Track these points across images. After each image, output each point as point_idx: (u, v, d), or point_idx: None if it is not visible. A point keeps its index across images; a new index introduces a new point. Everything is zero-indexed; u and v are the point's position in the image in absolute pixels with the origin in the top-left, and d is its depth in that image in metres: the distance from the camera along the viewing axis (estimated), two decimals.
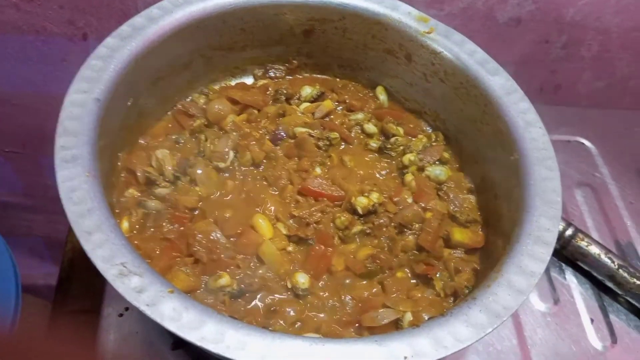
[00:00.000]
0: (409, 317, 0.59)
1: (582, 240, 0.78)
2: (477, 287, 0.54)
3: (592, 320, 0.76)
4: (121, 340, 0.67)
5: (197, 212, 0.66)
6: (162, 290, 0.47)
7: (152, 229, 0.63)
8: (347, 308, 0.62)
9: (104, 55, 0.62)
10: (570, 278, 0.80)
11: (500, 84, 0.70)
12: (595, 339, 0.74)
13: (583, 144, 0.97)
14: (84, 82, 0.59)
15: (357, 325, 0.60)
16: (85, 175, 0.53)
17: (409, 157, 0.73)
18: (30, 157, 1.25)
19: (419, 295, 0.63)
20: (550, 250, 0.56)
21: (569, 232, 0.78)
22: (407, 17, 0.75)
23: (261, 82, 0.81)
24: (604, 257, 0.77)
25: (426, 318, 0.59)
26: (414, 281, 0.65)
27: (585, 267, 0.79)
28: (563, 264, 0.81)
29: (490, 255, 0.65)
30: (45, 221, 1.51)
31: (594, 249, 0.77)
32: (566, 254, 0.79)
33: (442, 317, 0.50)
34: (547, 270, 0.80)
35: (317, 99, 0.79)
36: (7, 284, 1.03)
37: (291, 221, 0.66)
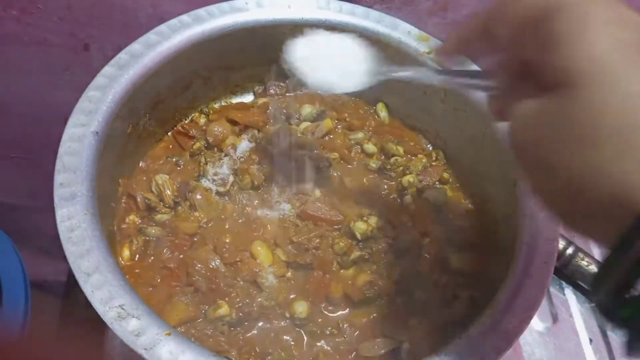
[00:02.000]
0: (406, 346, 0.60)
1: (583, 259, 0.78)
2: (471, 323, 0.55)
3: (590, 340, 0.76)
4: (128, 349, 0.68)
5: (196, 238, 0.66)
6: (160, 332, 0.48)
7: (152, 257, 0.64)
8: (345, 336, 0.62)
9: (101, 85, 0.62)
10: (570, 296, 0.80)
11: None
12: (593, 359, 0.74)
13: None
14: (82, 115, 0.60)
15: (354, 353, 0.61)
16: (84, 213, 0.54)
17: (408, 179, 0.73)
18: (35, 162, 1.26)
19: (417, 323, 0.63)
20: (547, 285, 0.56)
21: (569, 250, 0.78)
22: (407, 36, 0.74)
23: (261, 99, 0.81)
24: None
25: (423, 348, 0.60)
26: (412, 308, 0.65)
27: (586, 286, 0.79)
28: (563, 282, 0.81)
29: (487, 282, 0.65)
30: (52, 221, 1.53)
31: (594, 269, 0.77)
32: (566, 273, 0.79)
33: (436, 356, 0.51)
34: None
35: (317, 118, 0.78)
36: (17, 283, 1.05)
37: (290, 247, 0.66)
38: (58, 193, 0.54)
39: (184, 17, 0.70)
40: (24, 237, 1.20)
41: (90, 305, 0.50)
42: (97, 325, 0.73)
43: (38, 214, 1.51)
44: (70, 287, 0.92)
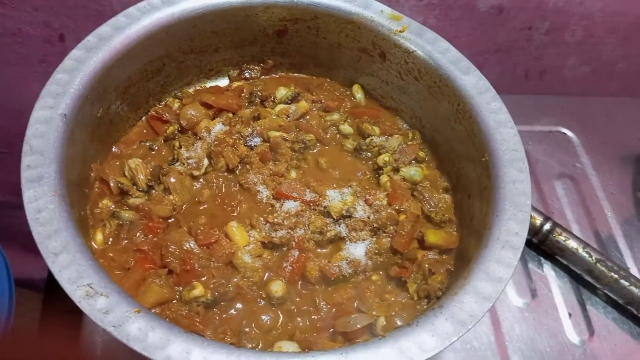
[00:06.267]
0: (382, 321, 0.60)
1: (560, 234, 0.78)
2: (444, 294, 0.55)
3: (569, 315, 0.76)
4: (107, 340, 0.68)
5: (171, 220, 0.66)
6: (129, 310, 0.48)
7: (126, 240, 0.64)
8: (322, 313, 0.62)
9: (69, 68, 0.62)
10: (549, 271, 0.80)
11: (472, 83, 0.69)
12: (572, 333, 0.75)
13: (565, 134, 0.96)
14: (50, 98, 0.59)
15: (331, 330, 0.61)
16: (52, 195, 0.53)
17: (383, 158, 0.73)
18: (17, 157, 1.25)
19: (393, 298, 0.63)
20: (518, 255, 0.56)
21: (547, 226, 0.78)
22: (380, 15, 0.74)
23: (236, 83, 0.81)
24: (581, 252, 0.77)
25: (399, 323, 0.60)
26: (388, 284, 0.65)
27: (564, 261, 0.79)
28: (542, 258, 0.81)
29: (464, 256, 0.66)
30: None
31: (572, 243, 0.78)
32: (544, 248, 0.80)
33: (408, 326, 0.51)
34: (525, 264, 0.81)
35: (293, 100, 0.78)
36: (1, 281, 1.04)
37: (266, 227, 0.66)
38: (25, 175, 0.54)
39: (154, 0, 0.69)
40: (8, 234, 1.19)
41: (69, 310, 0.49)
42: (76, 317, 0.73)
43: (20, 210, 1.50)
44: (51, 282, 0.91)
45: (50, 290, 0.92)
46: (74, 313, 0.72)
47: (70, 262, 0.50)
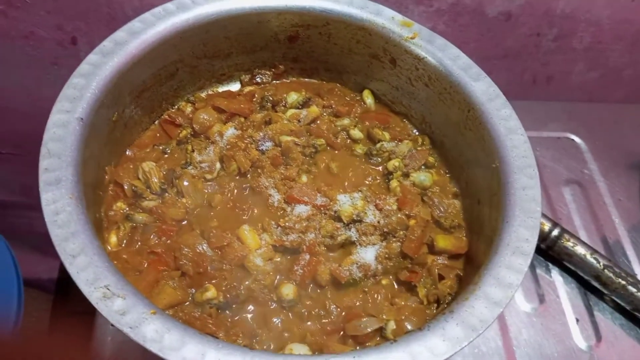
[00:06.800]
0: (392, 325, 0.61)
1: (568, 240, 0.79)
2: (455, 300, 0.55)
3: (577, 320, 0.77)
4: (120, 341, 0.69)
5: (184, 223, 0.67)
6: (145, 311, 0.49)
7: (139, 243, 0.64)
8: (332, 316, 0.63)
9: (86, 72, 0.63)
10: (557, 277, 0.81)
11: (482, 90, 0.70)
12: (580, 339, 0.75)
13: (573, 140, 0.97)
14: (67, 102, 0.60)
15: (341, 333, 0.62)
16: (69, 197, 0.54)
17: (393, 163, 0.74)
18: (26, 158, 1.26)
19: (403, 302, 0.64)
20: (528, 261, 0.57)
21: (555, 232, 0.79)
22: (391, 22, 0.75)
23: (248, 88, 0.82)
24: (589, 258, 0.77)
25: (409, 327, 0.61)
26: (398, 288, 0.66)
27: (572, 267, 0.79)
28: (549, 263, 0.82)
29: (473, 261, 0.66)
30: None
31: (580, 250, 0.78)
32: (552, 254, 0.80)
33: (419, 331, 0.52)
34: (533, 269, 0.81)
35: (304, 105, 0.79)
36: (9, 282, 1.05)
37: (277, 230, 0.67)
38: (43, 178, 0.55)
39: (169, 5, 0.70)
40: (18, 235, 1.20)
41: (81, 301, 0.50)
42: (87, 319, 0.73)
43: (31, 211, 1.51)
44: (62, 284, 0.92)
45: (60, 291, 0.93)
46: (85, 314, 0.73)
47: (88, 263, 0.50)
